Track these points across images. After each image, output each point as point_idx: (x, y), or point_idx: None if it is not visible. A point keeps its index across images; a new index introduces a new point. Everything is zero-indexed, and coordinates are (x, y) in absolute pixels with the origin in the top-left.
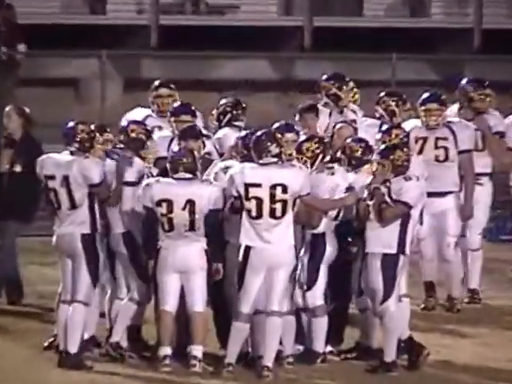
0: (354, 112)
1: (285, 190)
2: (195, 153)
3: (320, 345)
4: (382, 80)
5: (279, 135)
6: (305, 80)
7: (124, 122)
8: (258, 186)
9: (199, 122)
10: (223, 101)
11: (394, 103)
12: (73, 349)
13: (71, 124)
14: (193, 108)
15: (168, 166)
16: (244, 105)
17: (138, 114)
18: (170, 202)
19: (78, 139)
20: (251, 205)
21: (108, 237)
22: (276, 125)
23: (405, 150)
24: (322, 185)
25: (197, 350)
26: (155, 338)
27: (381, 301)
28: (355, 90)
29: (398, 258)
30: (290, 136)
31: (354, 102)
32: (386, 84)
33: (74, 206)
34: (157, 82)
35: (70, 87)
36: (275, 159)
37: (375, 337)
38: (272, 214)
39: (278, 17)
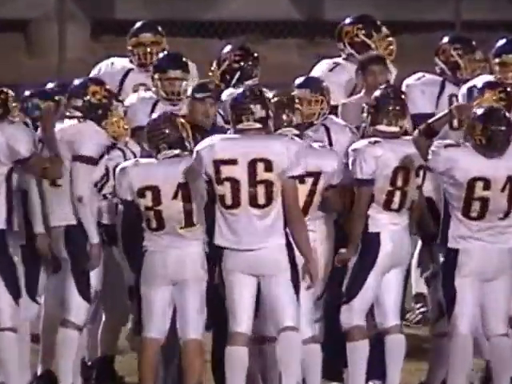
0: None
1: (269, 166)
2: (179, 121)
3: (358, 380)
4: (443, 21)
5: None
6: (337, 21)
7: (89, 79)
8: (233, 162)
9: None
10: (227, 49)
11: (456, 52)
12: None
13: None
14: (184, 60)
15: (146, 141)
16: (256, 54)
17: (115, 66)
18: (155, 190)
19: None
20: (225, 189)
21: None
22: (299, 80)
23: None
24: (362, 156)
25: None
26: (132, 373)
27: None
28: (390, 39)
29: (448, 252)
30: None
31: (389, 55)
32: (447, 26)
33: None
34: (138, 24)
35: (17, 32)
36: (258, 125)
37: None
38: (253, 201)
39: None
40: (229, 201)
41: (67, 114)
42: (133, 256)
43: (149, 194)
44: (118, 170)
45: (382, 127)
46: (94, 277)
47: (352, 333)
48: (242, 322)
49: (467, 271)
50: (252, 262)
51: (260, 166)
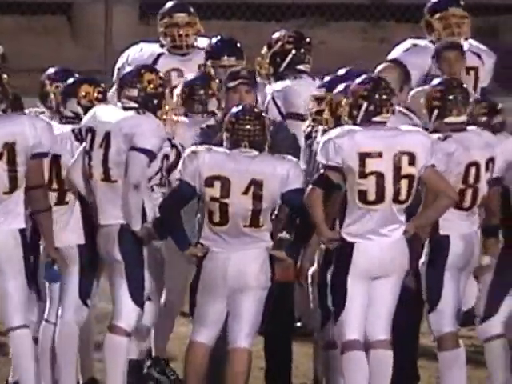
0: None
1: (412, 160)
2: (267, 119)
3: None
4: None
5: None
6: (404, 4)
7: (129, 67)
8: (378, 155)
9: None
10: (278, 34)
11: None
12: None
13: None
14: (238, 45)
15: (225, 135)
16: (308, 39)
17: (143, 52)
18: (226, 181)
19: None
20: (368, 184)
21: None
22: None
23: None
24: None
25: None
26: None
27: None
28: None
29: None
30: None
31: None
32: None
33: (15, 186)
34: (169, 4)
35: (60, 15)
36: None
37: None
38: (396, 197)
39: None
40: (372, 196)
41: (121, 104)
42: (165, 229)
43: (217, 185)
44: (187, 152)
45: (451, 119)
46: (147, 280)
47: (444, 340)
48: (355, 329)
49: None
50: (379, 259)
51: (404, 160)
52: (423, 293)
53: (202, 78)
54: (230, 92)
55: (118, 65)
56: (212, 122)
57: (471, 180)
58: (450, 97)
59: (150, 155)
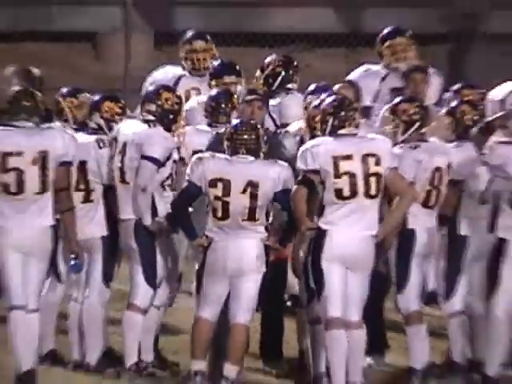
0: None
1: (378, 161)
2: (262, 131)
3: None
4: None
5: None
6: (377, 33)
7: (151, 86)
8: (349, 157)
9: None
10: (270, 59)
11: None
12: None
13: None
14: (237, 67)
15: (226, 143)
16: (296, 62)
17: (167, 74)
18: (227, 183)
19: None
20: (343, 183)
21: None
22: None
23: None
24: (404, 160)
25: (230, 371)
26: (175, 352)
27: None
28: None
29: (497, 241)
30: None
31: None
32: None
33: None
34: (189, 33)
35: (85, 43)
36: (356, 130)
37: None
38: (367, 193)
39: None
40: (347, 192)
41: (142, 117)
42: (176, 223)
43: (220, 185)
44: (194, 158)
45: (425, 129)
46: (160, 266)
47: (411, 318)
48: (337, 305)
49: None
50: (350, 245)
51: (371, 160)
52: (392, 277)
53: (225, 94)
54: (245, 105)
55: (147, 84)
56: (222, 130)
57: (436, 182)
58: (425, 111)
59: (157, 163)
